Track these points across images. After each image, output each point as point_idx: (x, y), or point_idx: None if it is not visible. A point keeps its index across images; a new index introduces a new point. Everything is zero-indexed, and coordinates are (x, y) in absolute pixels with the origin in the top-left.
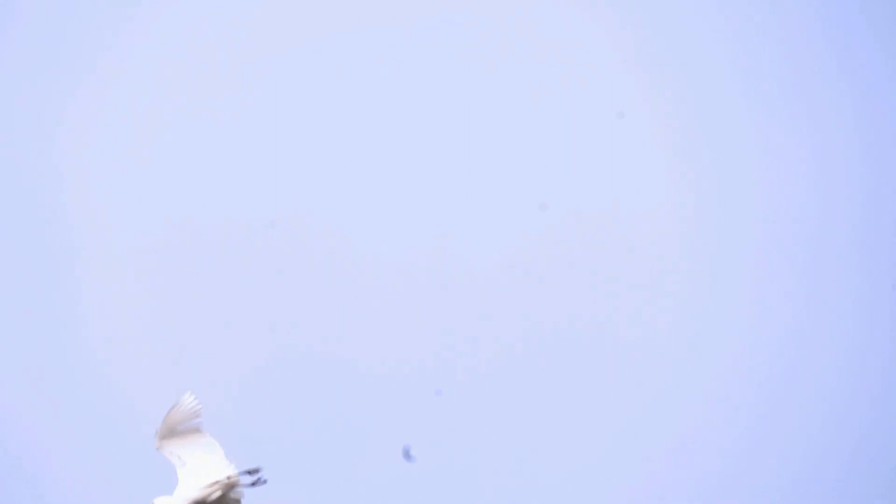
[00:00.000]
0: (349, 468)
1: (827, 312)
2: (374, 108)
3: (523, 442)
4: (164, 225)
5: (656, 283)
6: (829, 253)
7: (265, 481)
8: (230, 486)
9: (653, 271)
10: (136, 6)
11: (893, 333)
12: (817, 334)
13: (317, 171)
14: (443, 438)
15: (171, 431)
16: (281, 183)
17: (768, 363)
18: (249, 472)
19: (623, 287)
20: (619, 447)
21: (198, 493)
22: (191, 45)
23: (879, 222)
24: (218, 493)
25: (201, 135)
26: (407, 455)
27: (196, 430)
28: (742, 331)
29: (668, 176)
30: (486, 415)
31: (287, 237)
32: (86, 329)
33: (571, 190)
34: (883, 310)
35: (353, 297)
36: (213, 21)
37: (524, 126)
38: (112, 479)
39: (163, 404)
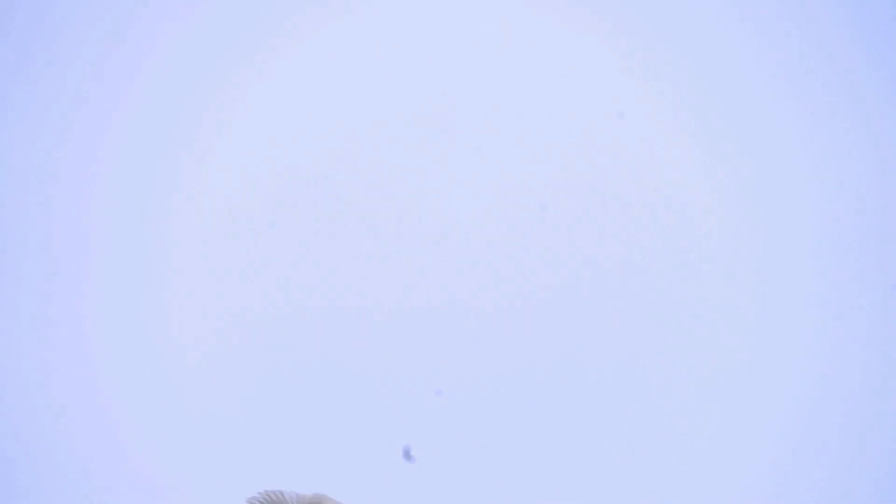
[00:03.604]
0: (349, 468)
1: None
2: (374, 106)
3: (524, 442)
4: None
5: (669, 289)
6: (859, 259)
7: None
8: None
9: (665, 278)
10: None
11: None
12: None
13: (316, 170)
14: (443, 438)
15: None
16: (282, 183)
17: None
18: None
19: (632, 290)
20: (624, 451)
21: None
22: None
23: None
24: None
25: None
26: (407, 455)
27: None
28: (755, 349)
29: (684, 176)
30: (487, 415)
31: (287, 237)
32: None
33: (575, 191)
34: None
35: (352, 296)
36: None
37: (524, 125)
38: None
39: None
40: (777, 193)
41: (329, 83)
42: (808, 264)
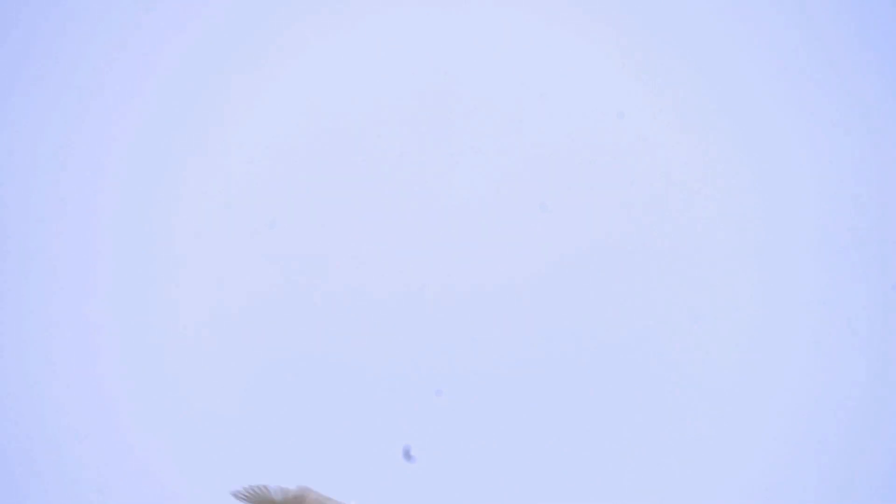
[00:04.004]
0: (349, 468)
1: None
2: (377, 107)
3: (524, 442)
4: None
5: (668, 288)
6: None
7: None
8: None
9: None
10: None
11: None
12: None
13: (316, 171)
14: (443, 438)
15: None
16: (283, 181)
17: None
18: None
19: (633, 290)
20: (624, 450)
21: None
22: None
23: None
24: None
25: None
26: (407, 455)
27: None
28: (750, 342)
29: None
30: (487, 415)
31: (286, 238)
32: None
33: (575, 191)
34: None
35: (351, 296)
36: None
37: (524, 124)
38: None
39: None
40: (778, 194)
41: (331, 83)
42: (808, 264)
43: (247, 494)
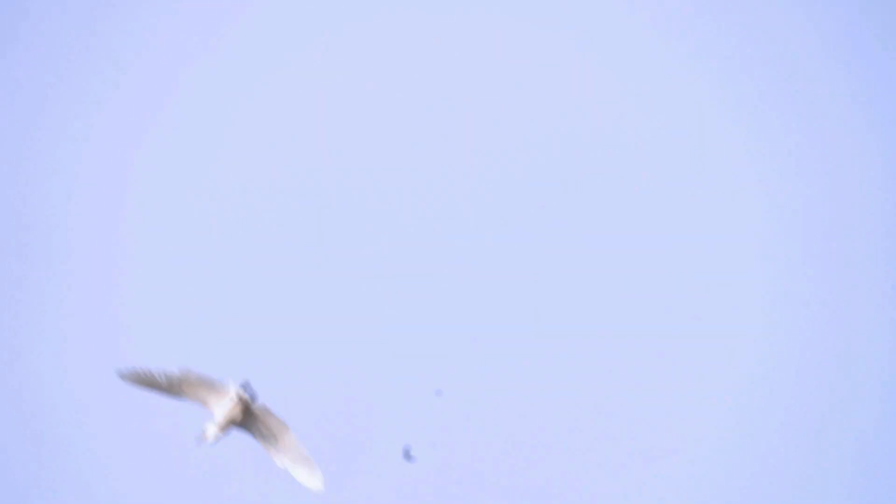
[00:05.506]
0: (349, 468)
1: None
2: (385, 119)
3: (523, 441)
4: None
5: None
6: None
7: (255, 393)
8: (245, 402)
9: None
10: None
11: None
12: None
13: (316, 167)
14: (443, 438)
15: (197, 388)
16: (279, 183)
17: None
18: (244, 388)
19: (625, 293)
20: (618, 445)
21: (227, 413)
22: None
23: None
24: (239, 409)
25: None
26: (407, 455)
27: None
28: (742, 331)
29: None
30: (487, 415)
31: (285, 241)
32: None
33: (571, 191)
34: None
35: (353, 297)
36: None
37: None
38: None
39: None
40: (780, 194)
41: (331, 84)
42: (808, 264)
43: (132, 376)
